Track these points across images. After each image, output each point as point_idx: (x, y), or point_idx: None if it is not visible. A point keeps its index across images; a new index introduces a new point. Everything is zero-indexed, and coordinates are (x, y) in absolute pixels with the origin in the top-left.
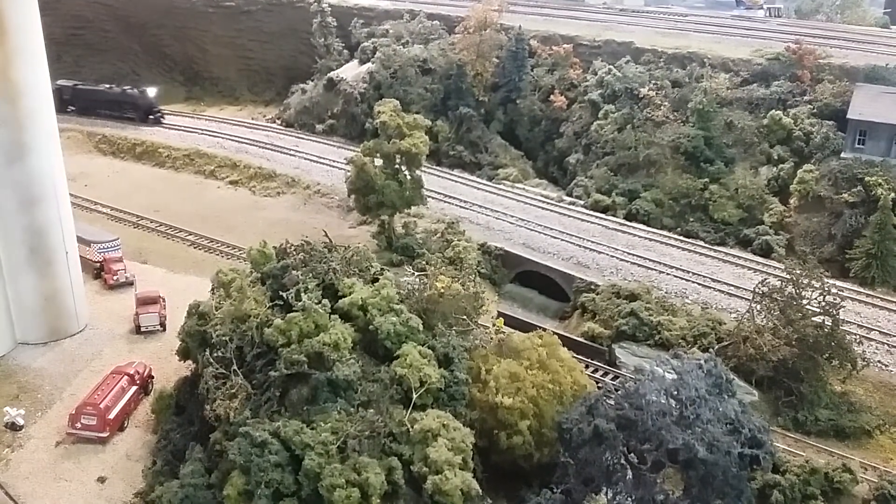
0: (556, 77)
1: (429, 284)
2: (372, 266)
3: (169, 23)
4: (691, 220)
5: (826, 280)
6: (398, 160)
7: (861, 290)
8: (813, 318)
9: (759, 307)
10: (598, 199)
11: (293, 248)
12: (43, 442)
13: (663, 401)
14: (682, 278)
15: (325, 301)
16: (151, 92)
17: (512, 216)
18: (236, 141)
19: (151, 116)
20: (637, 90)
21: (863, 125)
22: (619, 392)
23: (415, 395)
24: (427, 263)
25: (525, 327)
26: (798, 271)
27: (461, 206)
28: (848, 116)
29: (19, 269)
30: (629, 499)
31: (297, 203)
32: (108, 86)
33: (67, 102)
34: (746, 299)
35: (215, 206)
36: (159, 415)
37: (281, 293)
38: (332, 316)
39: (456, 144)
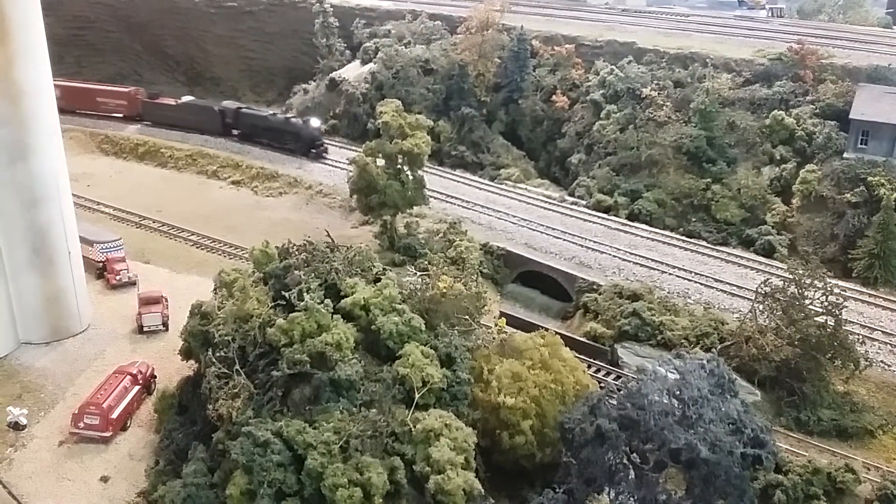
0: (558, 77)
1: (431, 284)
2: (374, 266)
3: (171, 23)
4: (694, 220)
5: (829, 280)
6: (400, 160)
7: (864, 290)
8: (815, 318)
9: (761, 307)
10: (601, 200)
11: (295, 248)
12: (46, 441)
13: (666, 401)
14: (685, 278)
15: (328, 301)
16: (315, 122)
17: (514, 216)
18: (238, 141)
19: (313, 150)
20: (639, 90)
21: (865, 125)
22: (622, 392)
23: (417, 395)
24: (429, 263)
25: (527, 327)
26: (801, 271)
27: (463, 207)
28: (850, 116)
29: (22, 269)
30: (631, 499)
31: (299, 203)
32: (270, 112)
33: (230, 126)
34: (749, 299)
35: (218, 206)
36: (162, 414)
37: (283, 293)
38: (334, 316)
39: (458, 145)
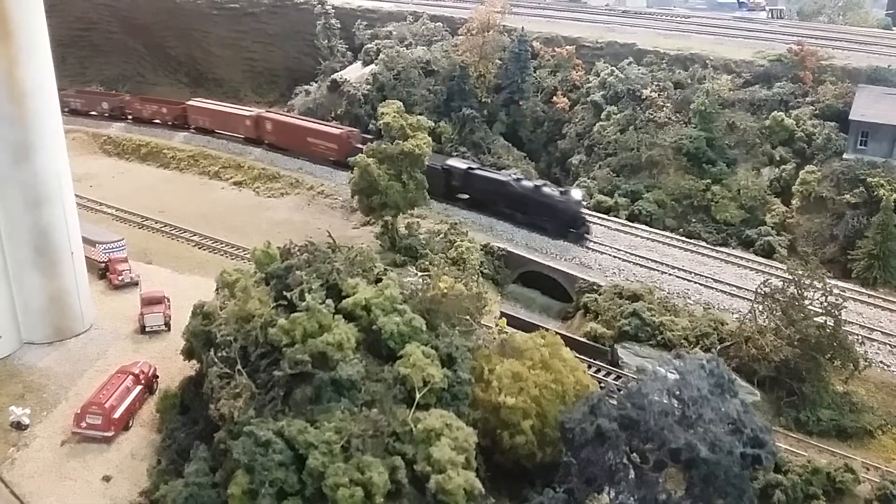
0: (558, 78)
1: (432, 285)
2: (375, 266)
3: (173, 24)
4: (693, 220)
5: (828, 281)
6: (401, 161)
7: (863, 290)
8: (815, 319)
9: (761, 308)
10: (601, 200)
11: (297, 248)
12: (48, 441)
13: (665, 401)
14: (685, 279)
15: (329, 301)
16: (577, 194)
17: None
18: (240, 142)
19: (573, 230)
20: (639, 91)
21: (865, 126)
22: (622, 392)
23: (418, 395)
24: (430, 264)
25: (528, 327)
26: (800, 272)
27: (464, 207)
28: (850, 118)
29: (25, 270)
30: (631, 498)
31: (300, 204)
32: (514, 176)
33: (457, 189)
34: (748, 300)
35: (219, 207)
36: (164, 414)
37: (285, 293)
38: (335, 316)
39: (459, 146)
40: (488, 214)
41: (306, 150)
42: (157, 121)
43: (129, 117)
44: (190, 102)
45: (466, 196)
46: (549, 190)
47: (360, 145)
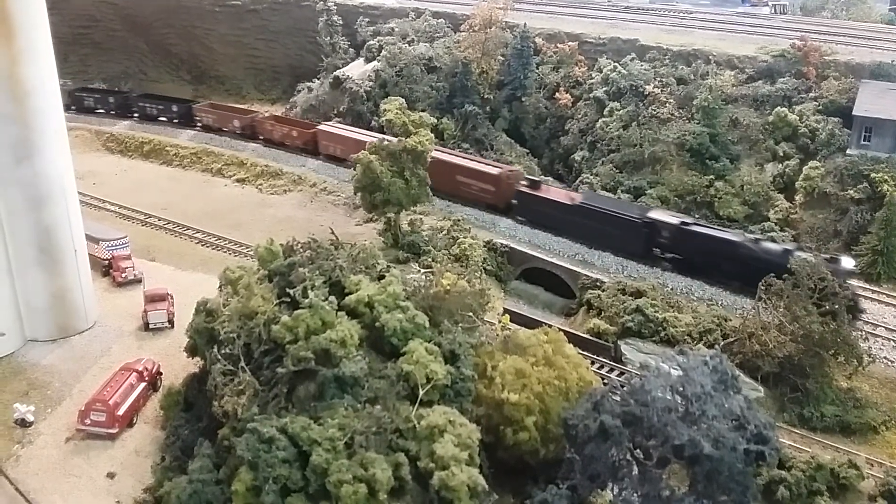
0: (561, 75)
1: (435, 281)
2: (378, 263)
3: (175, 22)
4: (697, 216)
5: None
6: (404, 158)
7: (867, 286)
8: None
9: (764, 304)
10: None
11: (300, 245)
12: (52, 438)
13: (669, 397)
14: (688, 275)
15: (332, 298)
16: (848, 262)
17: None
18: (243, 139)
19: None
20: (642, 87)
21: (868, 122)
22: (625, 388)
23: (421, 392)
24: (433, 261)
25: (531, 324)
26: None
27: (467, 204)
28: (853, 113)
29: (28, 267)
30: (635, 494)
31: (303, 201)
32: (752, 236)
33: (663, 247)
34: (752, 296)
35: (222, 204)
36: (168, 411)
37: (288, 290)
38: (338, 313)
39: (461, 142)
40: (706, 280)
41: (455, 191)
42: (288, 144)
43: (261, 137)
44: (320, 127)
45: (672, 255)
46: (771, 247)
47: (524, 188)
